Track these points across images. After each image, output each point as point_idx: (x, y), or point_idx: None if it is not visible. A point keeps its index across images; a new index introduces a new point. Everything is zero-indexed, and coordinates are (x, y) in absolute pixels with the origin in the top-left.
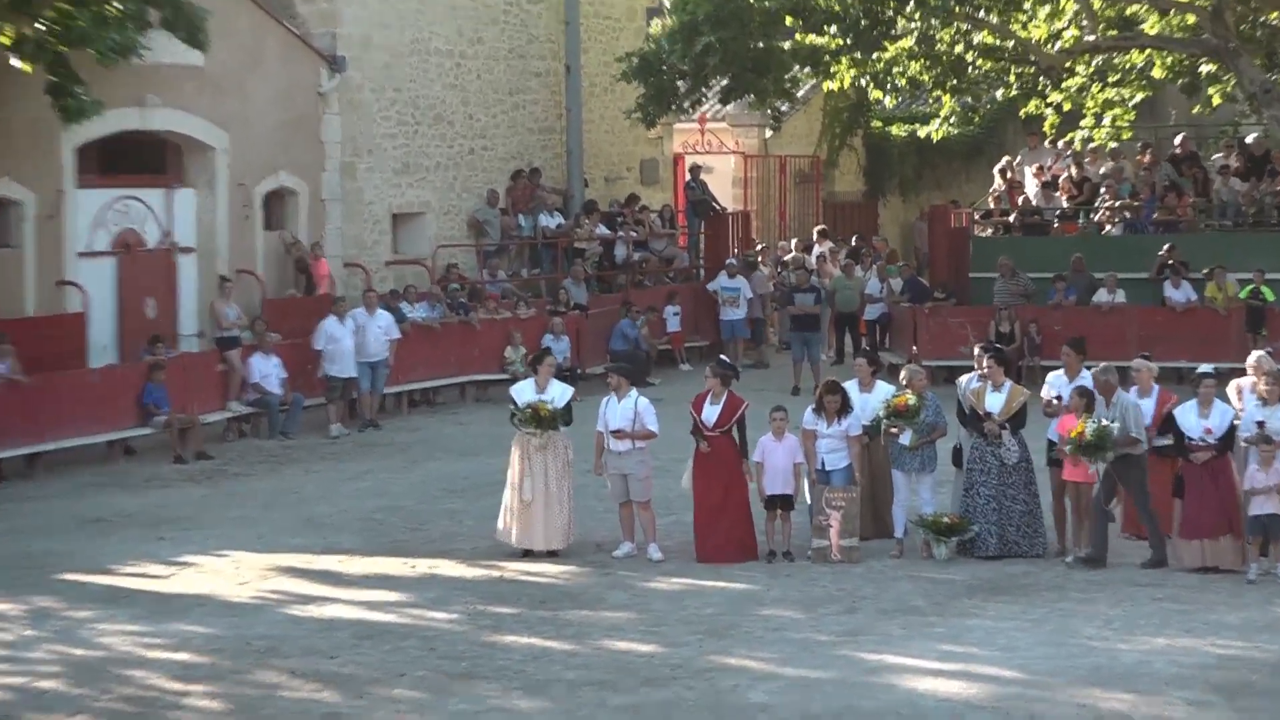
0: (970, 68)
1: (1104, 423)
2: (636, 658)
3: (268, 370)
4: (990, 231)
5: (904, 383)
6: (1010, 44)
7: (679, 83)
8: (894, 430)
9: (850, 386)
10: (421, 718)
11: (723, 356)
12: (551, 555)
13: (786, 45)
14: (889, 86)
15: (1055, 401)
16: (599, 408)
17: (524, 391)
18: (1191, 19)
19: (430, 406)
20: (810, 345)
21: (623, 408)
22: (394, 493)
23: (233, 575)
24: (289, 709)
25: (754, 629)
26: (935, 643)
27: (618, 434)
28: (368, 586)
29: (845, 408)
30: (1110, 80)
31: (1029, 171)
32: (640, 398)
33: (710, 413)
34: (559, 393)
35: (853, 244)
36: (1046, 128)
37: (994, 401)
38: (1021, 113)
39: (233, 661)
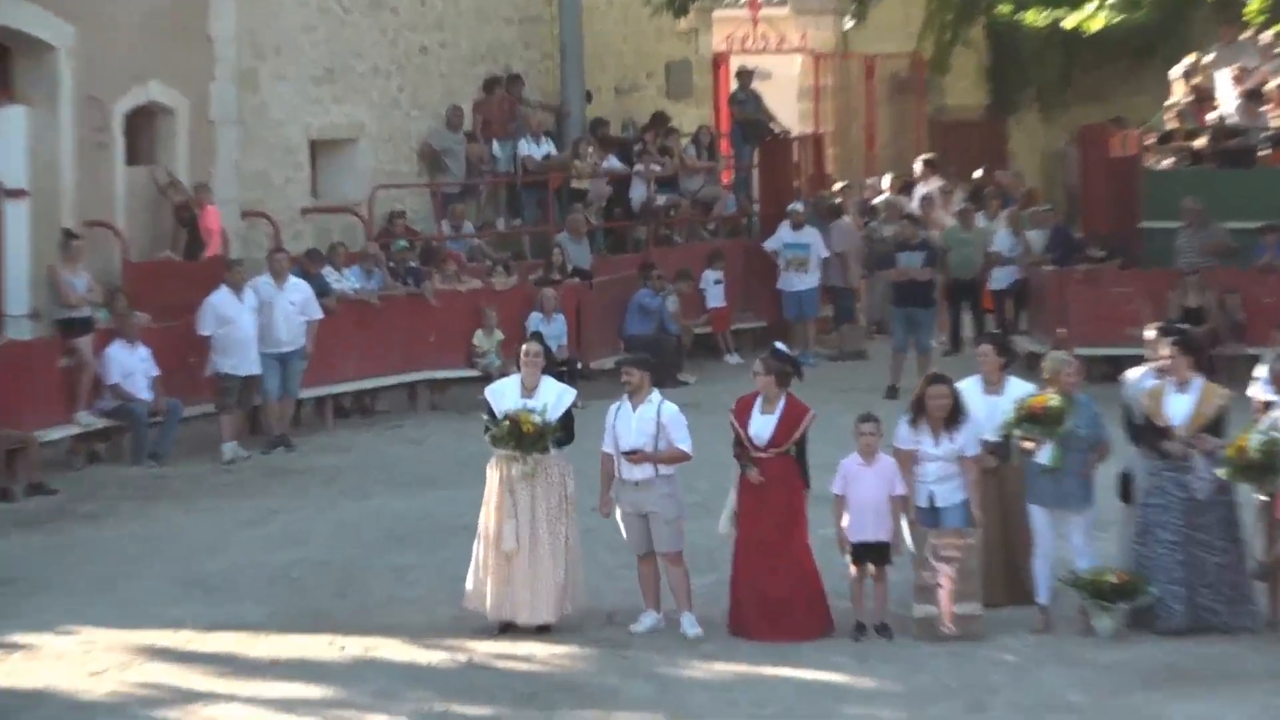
0: None
1: (1276, 434)
2: None
3: (132, 366)
4: (1170, 162)
5: (1045, 378)
6: None
7: None
8: (1028, 444)
9: (969, 385)
10: None
11: (778, 344)
12: (542, 631)
13: None
14: None
15: (1268, 408)
16: (607, 418)
17: (505, 394)
18: None
19: (366, 417)
20: (919, 327)
21: (640, 417)
22: (315, 541)
23: (83, 661)
24: None
25: None
26: None
27: (634, 456)
28: (278, 676)
29: (957, 414)
30: None
31: (1224, 77)
32: (665, 403)
33: (761, 425)
34: (553, 398)
35: (973, 181)
36: (1248, 14)
37: (1178, 407)
38: None
39: None
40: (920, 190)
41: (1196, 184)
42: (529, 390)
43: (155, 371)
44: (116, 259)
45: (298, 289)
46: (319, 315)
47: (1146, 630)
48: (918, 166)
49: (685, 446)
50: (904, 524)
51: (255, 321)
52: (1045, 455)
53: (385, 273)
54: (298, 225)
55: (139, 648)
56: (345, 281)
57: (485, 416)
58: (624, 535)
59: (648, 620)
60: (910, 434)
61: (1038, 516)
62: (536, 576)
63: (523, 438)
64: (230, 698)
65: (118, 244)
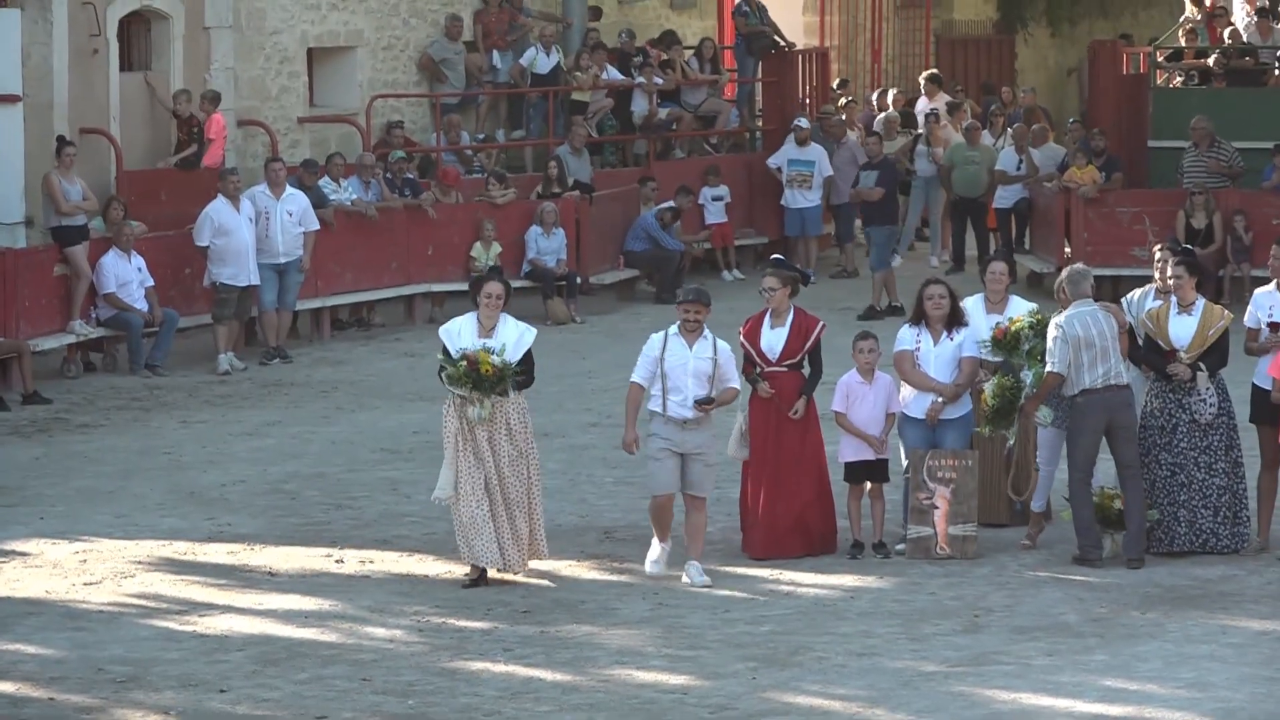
0: None
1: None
2: (662, 694)
3: (128, 276)
4: (1180, 80)
5: (1060, 294)
6: None
7: None
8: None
9: (972, 304)
10: None
11: (779, 256)
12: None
13: None
14: None
15: (1267, 330)
16: (648, 348)
17: (461, 333)
18: None
19: (364, 329)
20: (878, 246)
21: (699, 356)
22: (311, 454)
23: (79, 571)
24: None
25: (831, 654)
26: (1094, 675)
27: (707, 406)
28: (275, 588)
29: (957, 316)
30: None
31: None
32: (719, 341)
33: (773, 338)
34: (513, 338)
35: (979, 98)
36: None
37: (1181, 329)
38: None
39: (80, 695)
40: (925, 106)
41: (1206, 103)
42: (486, 331)
43: (150, 281)
44: (111, 167)
45: (294, 200)
46: (316, 226)
47: (1146, 552)
48: (923, 83)
49: (735, 384)
50: (898, 444)
51: (252, 232)
52: (1041, 415)
53: (383, 184)
54: (294, 135)
55: (135, 558)
56: (343, 193)
57: (440, 356)
58: (650, 472)
59: (664, 557)
60: (911, 336)
61: (1043, 432)
62: (499, 528)
63: (481, 379)
64: (226, 608)
65: (112, 152)
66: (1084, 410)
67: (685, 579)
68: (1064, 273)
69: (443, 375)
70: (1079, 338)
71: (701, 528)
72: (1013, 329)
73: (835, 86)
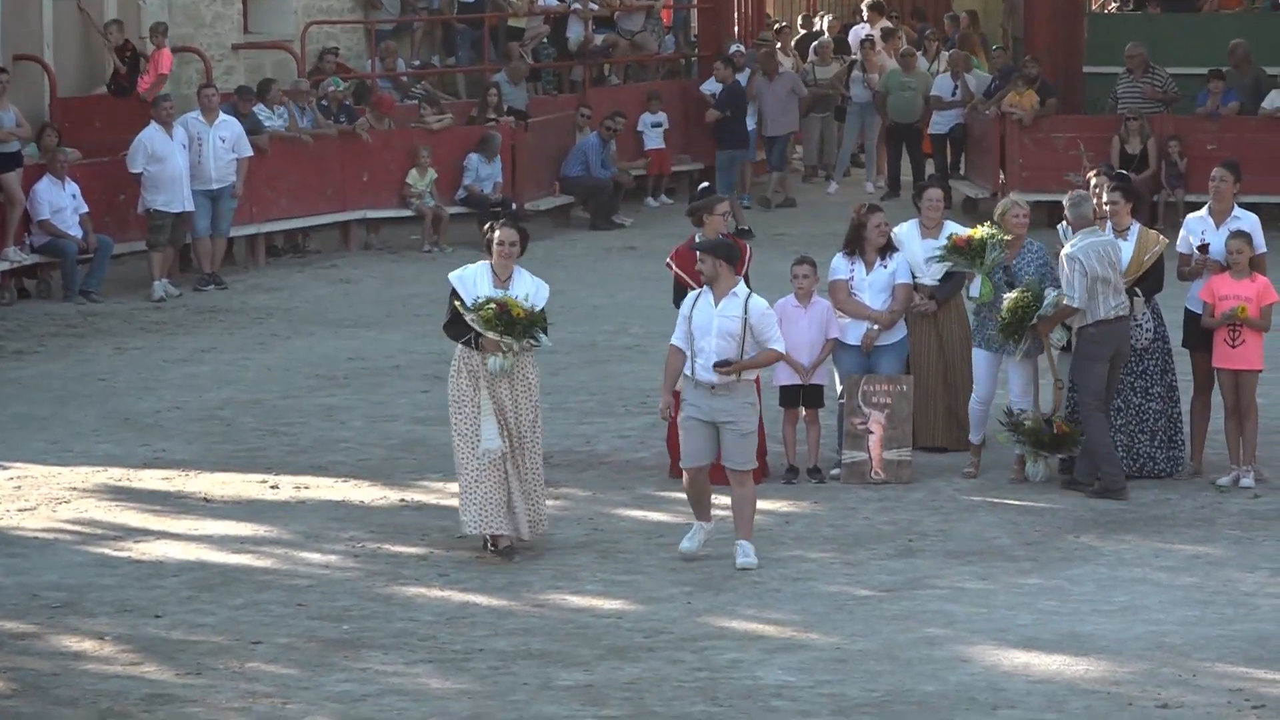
0: None
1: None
2: (597, 619)
3: (62, 202)
4: (1114, 6)
5: (998, 220)
6: None
7: None
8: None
9: (907, 229)
10: (285, 703)
11: (706, 184)
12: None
13: None
14: None
15: (1199, 254)
16: (682, 308)
17: (477, 282)
18: None
19: (298, 256)
20: (721, 170)
21: (723, 313)
22: (246, 381)
23: (13, 497)
24: (94, 689)
25: (766, 579)
26: (1028, 598)
27: (725, 368)
28: (211, 514)
29: (890, 243)
30: None
31: None
32: (753, 298)
33: None
34: (530, 290)
35: (915, 24)
36: None
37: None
38: None
39: (14, 621)
40: (862, 32)
41: (1140, 29)
42: (502, 281)
43: (85, 208)
44: (45, 94)
45: (227, 126)
46: (249, 153)
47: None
48: (863, 9)
49: (779, 346)
50: (833, 369)
51: (186, 159)
52: (974, 288)
53: (318, 111)
54: (228, 61)
55: (70, 485)
56: (277, 120)
57: (456, 304)
58: (683, 444)
59: (699, 535)
60: (845, 265)
61: (979, 360)
62: (523, 487)
63: (514, 322)
64: (162, 534)
65: (46, 80)
66: (1097, 340)
67: (736, 561)
68: (1066, 198)
69: (470, 319)
70: (1096, 274)
71: (747, 502)
72: (976, 237)
73: (800, 22)
